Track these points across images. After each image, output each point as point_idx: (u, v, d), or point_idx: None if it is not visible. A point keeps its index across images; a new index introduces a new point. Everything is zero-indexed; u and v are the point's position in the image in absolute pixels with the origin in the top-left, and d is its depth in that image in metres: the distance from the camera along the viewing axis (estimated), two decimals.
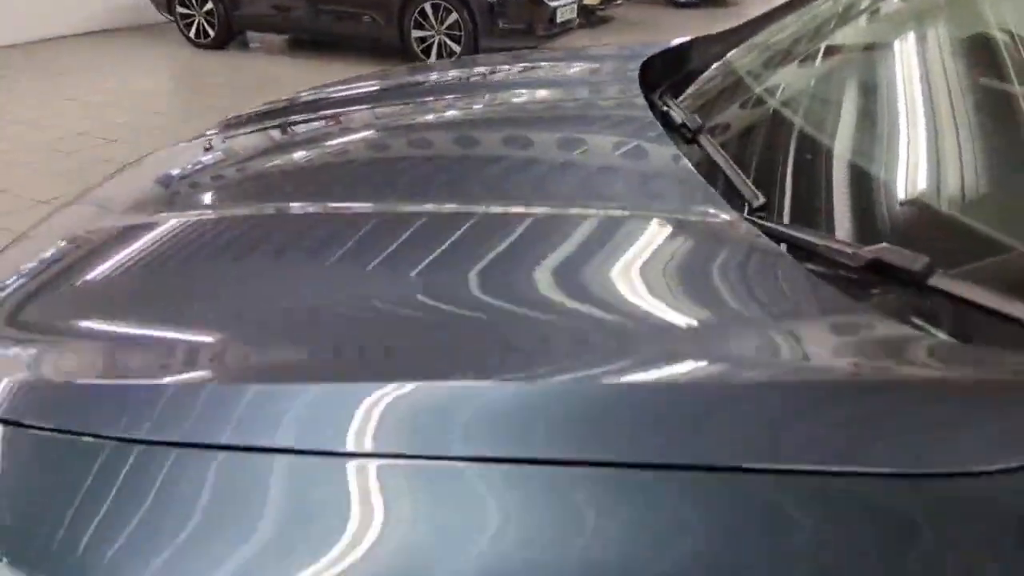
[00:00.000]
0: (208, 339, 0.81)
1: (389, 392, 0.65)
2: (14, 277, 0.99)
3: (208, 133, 1.61)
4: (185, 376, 0.74)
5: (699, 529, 0.52)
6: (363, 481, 0.59)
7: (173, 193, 1.25)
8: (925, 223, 0.85)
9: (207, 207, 1.16)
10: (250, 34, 8.37)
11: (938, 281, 0.70)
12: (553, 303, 0.79)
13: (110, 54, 7.67)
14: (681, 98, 1.45)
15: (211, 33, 7.94)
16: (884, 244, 0.75)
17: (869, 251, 0.75)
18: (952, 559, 0.49)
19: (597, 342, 0.71)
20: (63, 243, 1.08)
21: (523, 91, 1.62)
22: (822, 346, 0.68)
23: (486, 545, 0.54)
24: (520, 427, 0.61)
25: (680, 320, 0.75)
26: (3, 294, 0.94)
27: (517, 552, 0.53)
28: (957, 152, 0.88)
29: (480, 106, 1.54)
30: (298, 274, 0.92)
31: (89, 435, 0.65)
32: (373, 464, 0.60)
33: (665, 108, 1.34)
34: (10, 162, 4.46)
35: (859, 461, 0.53)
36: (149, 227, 1.07)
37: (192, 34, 8.02)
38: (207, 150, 1.46)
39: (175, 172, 1.34)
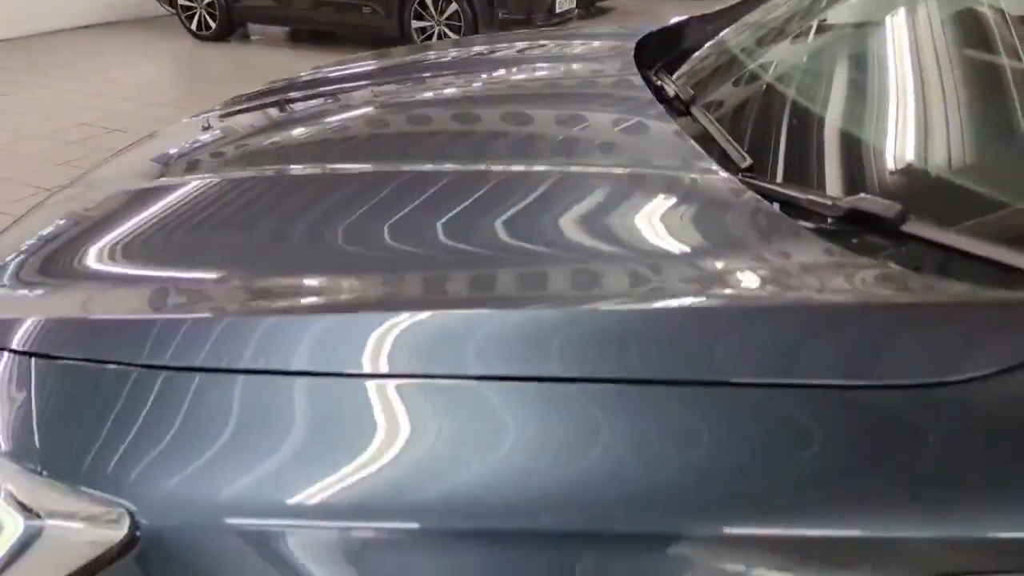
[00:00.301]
0: (226, 276, 0.87)
1: (404, 320, 0.70)
2: (40, 233, 1.05)
3: (208, 112, 1.64)
4: (206, 309, 0.79)
5: (697, 439, 0.58)
6: (382, 399, 0.64)
7: (184, 159, 1.29)
8: (898, 177, 0.90)
9: (213, 171, 1.20)
10: (251, 26, 8.38)
11: (911, 227, 0.75)
12: (558, 241, 0.85)
13: (111, 47, 7.69)
14: (675, 75, 1.49)
15: (212, 25, 7.95)
16: (861, 195, 0.79)
17: (847, 201, 0.79)
18: (927, 457, 0.55)
19: (601, 273, 0.77)
20: (82, 206, 1.14)
21: (522, 68, 1.65)
22: (806, 278, 0.72)
23: (500, 456, 0.59)
24: (531, 348, 0.66)
25: (674, 255, 0.80)
26: (31, 247, 1.00)
27: (530, 462, 0.58)
28: (924, 114, 0.94)
29: (479, 82, 1.57)
30: (309, 220, 0.97)
31: (115, 363, 0.70)
32: (391, 384, 0.65)
33: (659, 83, 1.38)
34: (13, 152, 4.50)
35: (842, 375, 0.59)
36: (161, 188, 1.13)
37: (193, 26, 8.04)
38: (206, 129, 1.49)
39: (183, 143, 1.38)
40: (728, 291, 0.72)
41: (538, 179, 0.99)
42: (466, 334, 0.69)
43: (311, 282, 0.82)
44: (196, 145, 1.36)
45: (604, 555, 0.56)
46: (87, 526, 0.62)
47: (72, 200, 1.18)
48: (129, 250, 0.96)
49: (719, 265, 0.75)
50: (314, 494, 0.60)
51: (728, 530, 0.54)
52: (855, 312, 0.65)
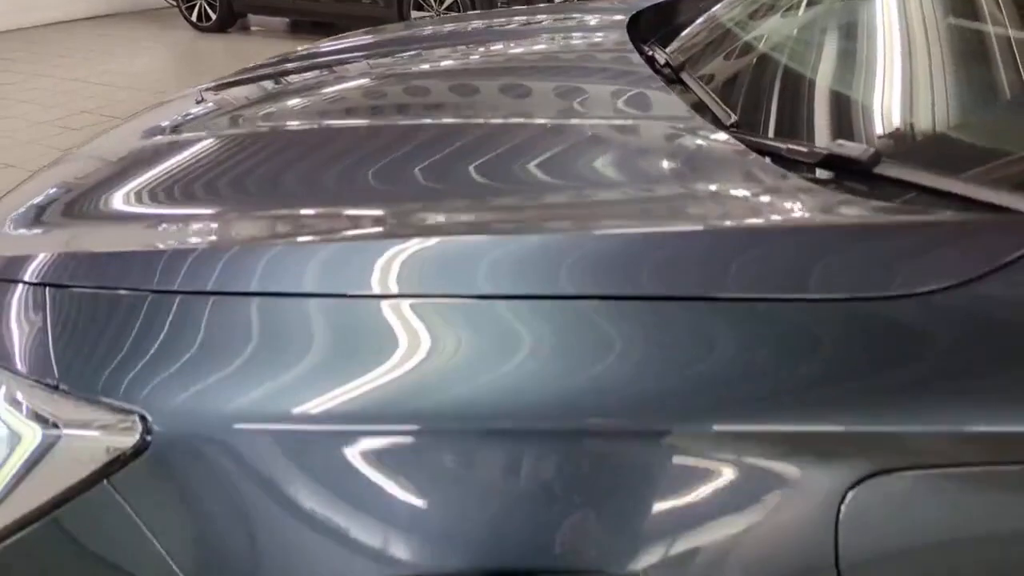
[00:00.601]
0: (232, 212, 0.92)
1: (414, 245, 0.75)
2: (49, 186, 1.11)
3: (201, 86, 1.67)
4: (215, 239, 0.84)
5: (696, 351, 0.63)
6: (396, 317, 0.69)
7: (179, 124, 1.33)
8: (870, 125, 0.96)
9: (211, 130, 1.25)
10: (251, 17, 8.40)
11: (884, 168, 0.80)
12: (557, 175, 0.92)
13: (112, 38, 7.72)
14: (667, 46, 1.53)
15: (212, 16, 7.97)
16: (837, 141, 0.85)
17: (825, 147, 0.85)
18: (896, 359, 0.61)
19: (601, 201, 0.84)
20: (87, 163, 1.19)
21: (518, 40, 1.69)
22: (787, 207, 0.79)
23: (512, 368, 0.64)
24: (539, 269, 0.71)
25: (665, 189, 0.87)
26: (42, 197, 1.06)
27: (541, 374, 0.63)
28: (894, 68, 1.01)
29: (476, 55, 1.60)
30: (312, 163, 1.02)
31: (128, 289, 0.75)
32: (393, 303, 0.70)
33: (651, 54, 1.44)
34: (16, 140, 4.53)
35: (820, 289, 0.65)
36: (161, 145, 1.19)
37: (194, 17, 8.05)
38: (199, 102, 1.51)
39: (177, 113, 1.42)
40: (718, 219, 0.77)
41: (536, 129, 1.04)
42: (466, 258, 0.74)
43: (316, 213, 0.87)
44: (190, 114, 1.40)
45: (608, 450, 0.62)
46: (102, 434, 0.67)
47: (77, 159, 1.23)
48: (136, 195, 1.00)
49: (706, 197, 0.82)
50: (323, 401, 0.64)
51: (718, 427, 0.61)
52: (831, 233, 0.72)
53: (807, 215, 0.76)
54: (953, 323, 0.62)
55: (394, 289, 0.71)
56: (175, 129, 1.28)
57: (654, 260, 0.70)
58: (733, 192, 0.83)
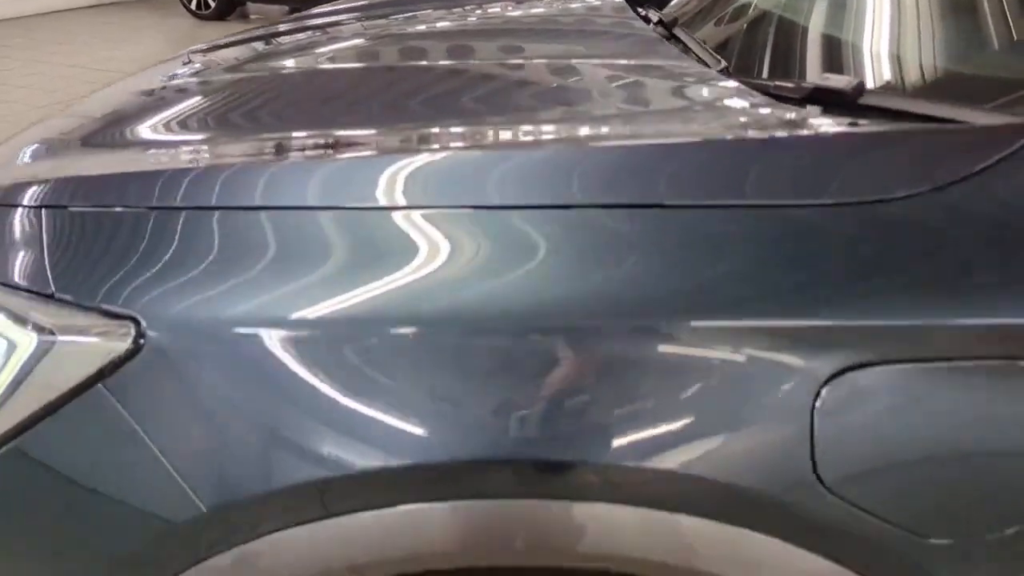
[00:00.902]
0: (229, 138, 0.95)
1: (424, 158, 0.78)
2: (48, 130, 1.15)
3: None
4: (217, 159, 0.87)
5: (684, 254, 0.66)
6: (409, 227, 0.70)
7: (172, 80, 1.34)
8: (851, 61, 1.01)
9: (206, 76, 1.28)
10: (250, 5, 8.39)
11: (868, 98, 0.84)
12: (558, 100, 0.98)
13: (112, 26, 7.71)
14: (662, 9, 1.57)
15: (211, 4, 7.96)
16: (823, 75, 0.89)
17: (811, 82, 0.89)
18: (869, 262, 0.64)
19: (603, 119, 0.89)
20: (81, 112, 1.22)
21: (515, 4, 1.70)
22: (774, 127, 0.84)
23: (523, 273, 0.66)
24: (548, 179, 0.75)
25: (657, 113, 0.94)
26: (41, 138, 1.10)
27: (555, 278, 0.66)
28: (864, 14, 1.06)
29: (472, 17, 1.61)
30: (310, 93, 1.08)
31: (123, 207, 0.78)
32: (416, 213, 0.71)
33: (645, 13, 1.49)
34: (17, 122, 4.53)
35: (802, 196, 0.68)
36: (156, 92, 1.22)
37: (193, 6, 8.05)
38: (186, 64, 1.52)
39: (166, 74, 1.42)
40: (708, 134, 0.83)
41: (534, 66, 1.10)
42: (467, 171, 0.77)
43: (309, 135, 0.90)
44: (181, 71, 1.40)
45: (598, 346, 0.64)
46: (96, 339, 0.68)
47: (73, 113, 1.25)
48: (132, 130, 1.03)
49: (698, 118, 0.88)
50: (322, 306, 0.66)
51: (703, 323, 0.64)
52: (814, 143, 0.76)
53: (792, 131, 0.80)
54: (927, 225, 0.65)
55: (385, 201, 0.73)
56: (170, 79, 1.30)
57: (646, 171, 0.73)
58: (723, 116, 0.87)
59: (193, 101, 1.12)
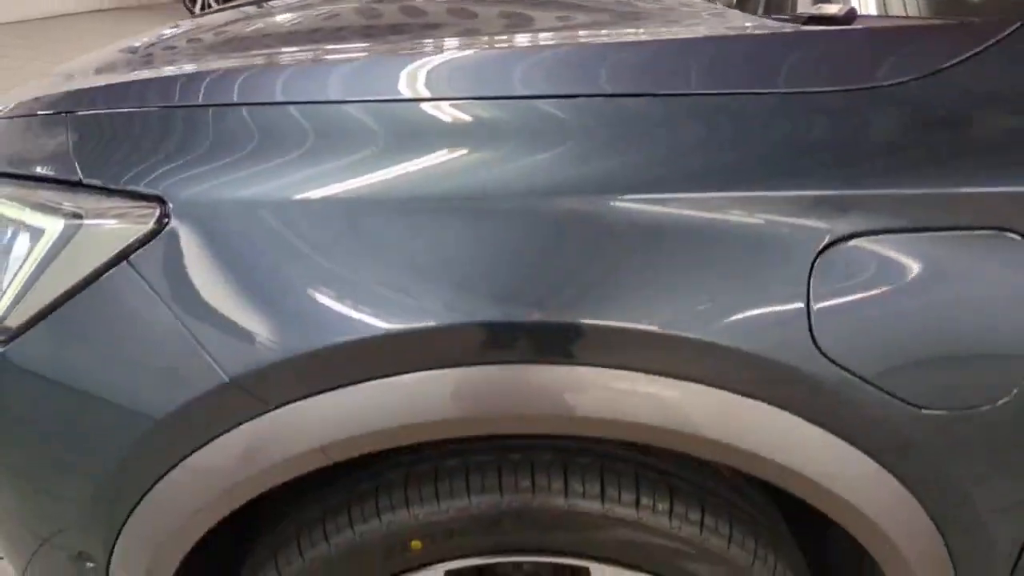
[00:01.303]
0: (247, 55, 1.01)
1: (445, 57, 0.87)
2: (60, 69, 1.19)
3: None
4: (238, 64, 0.92)
5: (695, 134, 0.70)
6: (424, 116, 0.74)
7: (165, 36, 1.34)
8: None
9: (197, 34, 1.28)
10: None
11: (859, 21, 0.88)
12: (580, 21, 1.11)
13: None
14: None
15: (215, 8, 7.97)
16: (817, 4, 0.94)
17: (806, 11, 0.92)
18: (868, 137, 0.70)
19: (610, 24, 1.02)
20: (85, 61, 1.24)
21: None
22: (773, 25, 0.94)
23: (548, 155, 0.69)
24: (566, 72, 0.79)
25: (670, 18, 1.05)
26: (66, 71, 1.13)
27: (578, 158, 0.69)
28: None
29: None
30: (312, 33, 1.16)
31: (149, 106, 0.81)
32: (445, 104, 0.75)
33: None
34: None
35: (812, 83, 0.72)
36: (154, 46, 1.24)
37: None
38: (175, 26, 1.48)
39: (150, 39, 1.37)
40: (711, 31, 0.94)
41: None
42: (512, 63, 0.83)
43: (322, 48, 1.00)
44: (167, 33, 1.37)
45: (611, 216, 0.67)
46: (121, 220, 0.72)
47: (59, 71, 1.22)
48: (143, 62, 1.09)
49: (705, 24, 1.00)
50: (348, 184, 0.69)
51: (712, 193, 0.67)
52: (817, 37, 0.81)
53: (794, 28, 0.87)
54: (922, 104, 0.70)
55: (405, 93, 0.77)
56: (160, 39, 1.29)
57: (658, 64, 0.78)
58: (728, 23, 0.97)
59: (197, 44, 1.16)
